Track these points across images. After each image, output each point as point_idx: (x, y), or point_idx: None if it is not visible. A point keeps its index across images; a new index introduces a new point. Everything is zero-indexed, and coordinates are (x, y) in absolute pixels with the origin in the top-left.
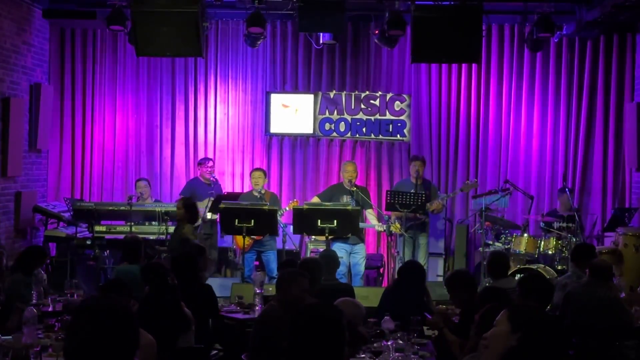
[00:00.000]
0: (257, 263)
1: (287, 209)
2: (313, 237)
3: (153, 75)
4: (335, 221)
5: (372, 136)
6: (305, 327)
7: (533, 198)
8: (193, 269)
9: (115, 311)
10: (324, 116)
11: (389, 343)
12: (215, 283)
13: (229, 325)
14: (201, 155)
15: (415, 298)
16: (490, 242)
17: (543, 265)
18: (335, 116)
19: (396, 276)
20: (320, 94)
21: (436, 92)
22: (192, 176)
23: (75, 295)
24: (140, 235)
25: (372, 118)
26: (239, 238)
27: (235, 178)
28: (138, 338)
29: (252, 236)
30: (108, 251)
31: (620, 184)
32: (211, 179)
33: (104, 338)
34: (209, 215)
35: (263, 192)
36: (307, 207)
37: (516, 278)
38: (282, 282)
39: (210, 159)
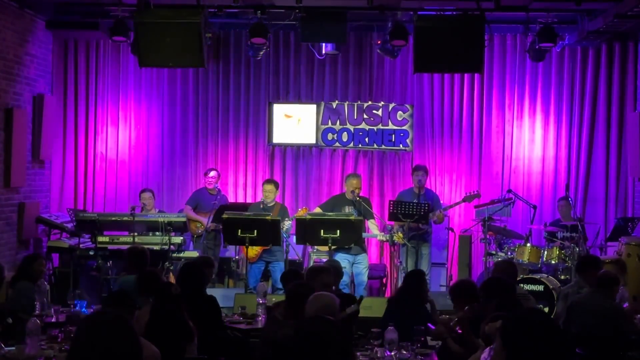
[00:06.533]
0: None
1: (297, 216)
2: (316, 247)
3: (156, 86)
4: (338, 231)
5: (375, 146)
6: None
7: (536, 208)
8: (199, 280)
9: (117, 325)
10: (326, 126)
11: (392, 353)
12: (218, 293)
13: (232, 336)
14: (203, 165)
15: (419, 308)
16: (494, 252)
17: (546, 275)
18: (337, 126)
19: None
20: (322, 104)
21: (439, 102)
22: (194, 186)
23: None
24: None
25: (375, 128)
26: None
27: (238, 188)
28: (140, 351)
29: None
30: (111, 262)
31: (623, 194)
32: (215, 188)
33: (107, 352)
34: (212, 226)
35: (272, 204)
36: (310, 217)
37: (519, 286)
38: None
39: (213, 169)
